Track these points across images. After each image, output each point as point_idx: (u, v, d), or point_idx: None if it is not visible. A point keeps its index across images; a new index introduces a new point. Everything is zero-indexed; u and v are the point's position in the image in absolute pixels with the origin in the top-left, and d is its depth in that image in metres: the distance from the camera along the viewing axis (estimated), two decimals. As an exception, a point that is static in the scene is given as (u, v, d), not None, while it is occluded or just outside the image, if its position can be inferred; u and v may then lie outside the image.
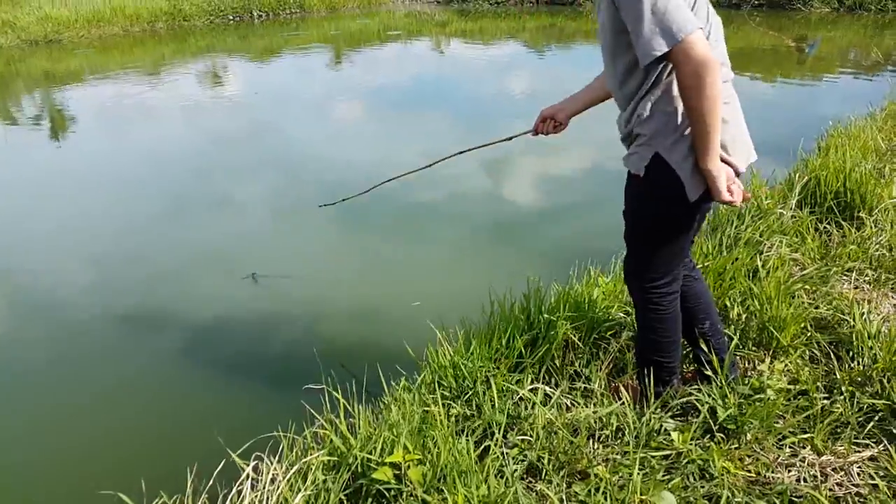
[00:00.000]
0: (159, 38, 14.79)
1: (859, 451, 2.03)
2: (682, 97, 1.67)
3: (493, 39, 14.85)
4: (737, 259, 3.02)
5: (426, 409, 2.15)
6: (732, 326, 2.66)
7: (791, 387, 2.29)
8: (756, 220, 3.54)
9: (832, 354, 2.50)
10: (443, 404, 2.18)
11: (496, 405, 2.18)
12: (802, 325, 2.63)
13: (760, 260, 3.05)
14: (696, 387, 2.24)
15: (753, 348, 2.60)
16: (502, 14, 17.86)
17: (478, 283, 3.83)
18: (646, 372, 2.18)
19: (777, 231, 3.44)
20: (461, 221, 5.06)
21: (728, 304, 2.77)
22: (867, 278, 3.08)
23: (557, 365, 2.49)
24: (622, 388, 2.28)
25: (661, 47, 1.58)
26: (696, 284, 2.20)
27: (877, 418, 2.13)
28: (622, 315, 2.75)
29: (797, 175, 4.03)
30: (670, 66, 1.71)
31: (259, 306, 3.85)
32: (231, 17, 16.79)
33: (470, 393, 2.29)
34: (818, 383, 2.34)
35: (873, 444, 2.04)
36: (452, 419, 2.16)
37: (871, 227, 3.40)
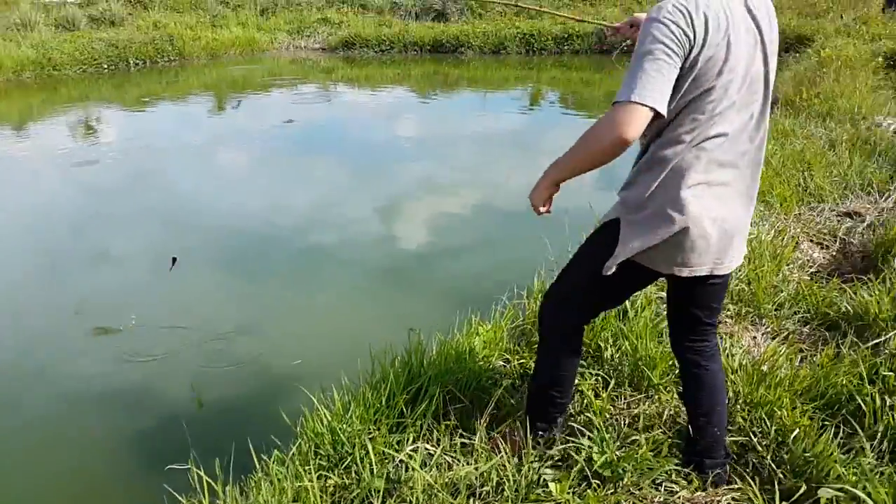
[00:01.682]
0: (27, 89, 13.94)
1: (729, 486, 2.11)
2: (584, 133, 1.70)
3: (380, 86, 15.01)
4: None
5: (300, 483, 2.05)
6: (606, 367, 2.74)
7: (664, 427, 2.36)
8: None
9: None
10: (318, 476, 2.09)
11: (374, 471, 2.12)
12: (671, 362, 2.74)
13: (629, 301, 3.17)
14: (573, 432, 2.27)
15: (629, 388, 2.67)
16: (388, 61, 18.10)
17: (363, 334, 3.77)
18: (536, 406, 2.20)
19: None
20: (349, 268, 5.01)
21: (601, 345, 2.85)
22: (729, 312, 3.26)
23: (438, 420, 2.46)
24: (500, 440, 2.27)
25: (619, 96, 1.60)
26: (700, 373, 2.05)
27: (738, 452, 2.23)
28: (501, 364, 2.77)
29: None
30: (658, 143, 1.76)
31: (122, 370, 3.61)
32: (105, 66, 16.08)
33: (348, 460, 2.21)
34: (683, 421, 2.43)
35: (737, 480, 2.13)
36: (329, 491, 2.07)
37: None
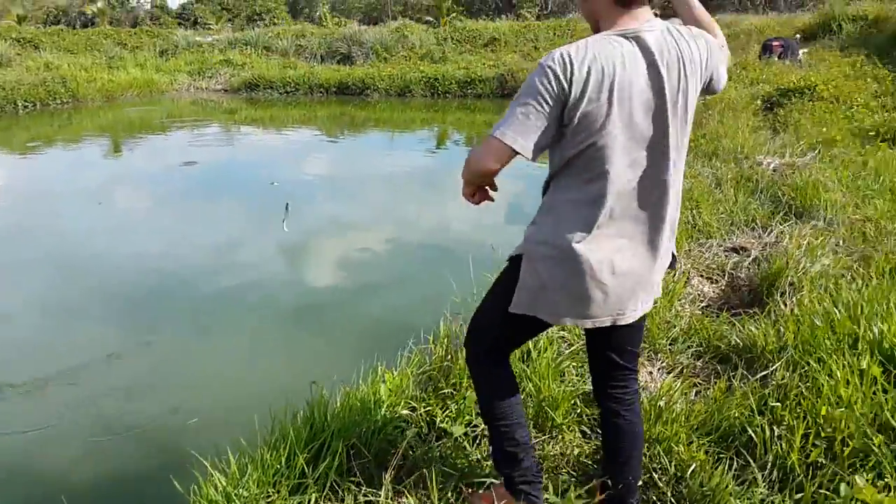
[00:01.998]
0: None
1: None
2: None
3: (286, 127, 14.88)
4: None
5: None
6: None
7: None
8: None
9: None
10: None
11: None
12: (573, 401, 2.77)
13: (531, 341, 3.21)
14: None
15: (533, 430, 2.68)
16: (293, 103, 18.00)
17: (264, 387, 3.64)
18: (494, 448, 2.09)
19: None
20: (252, 314, 4.85)
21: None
22: (627, 348, 3.34)
23: (343, 477, 2.38)
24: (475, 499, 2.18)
25: (493, 130, 1.67)
26: (620, 422, 2.02)
27: (640, 490, 2.26)
28: (407, 412, 2.72)
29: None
30: (554, 188, 1.80)
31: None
32: (-10, 108, 15.20)
33: (245, 527, 2.10)
34: (588, 461, 2.45)
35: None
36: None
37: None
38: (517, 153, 1.66)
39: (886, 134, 7.22)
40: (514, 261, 1.89)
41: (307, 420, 2.56)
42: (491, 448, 2.13)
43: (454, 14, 25.31)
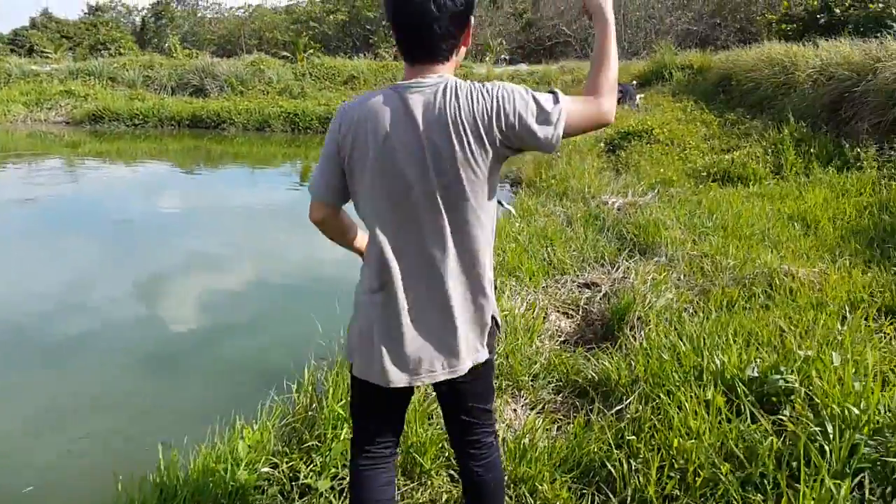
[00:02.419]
0: None
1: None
2: None
3: (136, 161, 14.06)
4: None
5: None
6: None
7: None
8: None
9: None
10: None
11: None
12: (440, 444, 2.76)
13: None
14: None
15: (402, 477, 2.63)
16: (142, 136, 17.06)
17: (110, 446, 3.34)
18: None
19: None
20: (98, 364, 4.47)
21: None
22: (492, 387, 3.39)
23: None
24: None
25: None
26: (478, 481, 1.96)
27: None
28: (268, 470, 2.58)
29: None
30: None
31: None
32: None
33: None
34: (458, 506, 2.44)
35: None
36: None
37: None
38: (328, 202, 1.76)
39: (716, 174, 7.96)
40: None
41: (157, 486, 2.36)
42: None
43: (311, 51, 25.25)
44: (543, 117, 1.61)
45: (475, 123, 1.60)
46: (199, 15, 48.70)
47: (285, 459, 2.67)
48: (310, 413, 2.91)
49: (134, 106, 18.27)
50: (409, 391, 1.86)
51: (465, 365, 1.75)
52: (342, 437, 2.67)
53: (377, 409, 1.87)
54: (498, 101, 1.60)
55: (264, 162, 14.68)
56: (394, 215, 1.67)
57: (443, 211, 1.65)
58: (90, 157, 14.24)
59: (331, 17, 36.31)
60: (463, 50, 1.71)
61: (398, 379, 1.71)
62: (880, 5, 12.85)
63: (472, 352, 1.76)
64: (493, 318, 1.80)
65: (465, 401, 1.88)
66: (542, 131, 1.61)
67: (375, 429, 1.87)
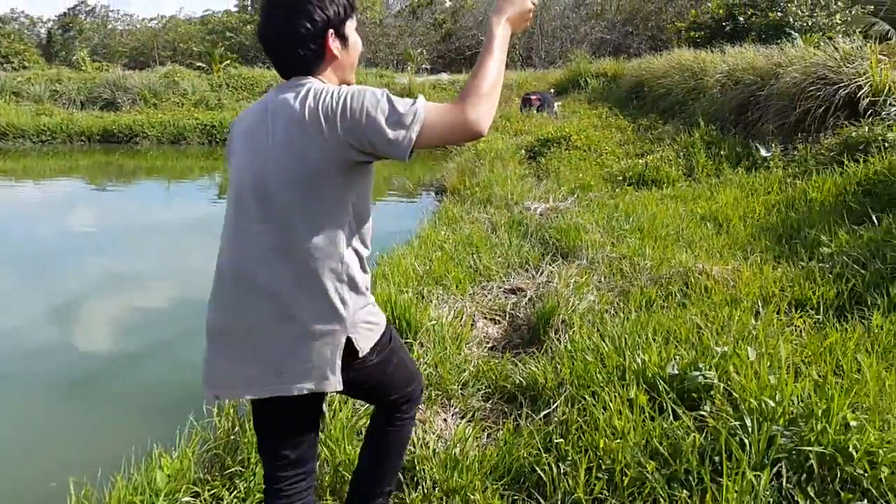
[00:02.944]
0: None
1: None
2: None
3: (44, 178, 13.36)
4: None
5: None
6: (308, 480, 2.59)
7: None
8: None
9: (402, 484, 2.60)
10: None
11: None
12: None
13: (326, 403, 3.10)
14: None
15: (330, 497, 2.56)
16: (50, 153, 16.23)
17: (10, 483, 3.14)
18: None
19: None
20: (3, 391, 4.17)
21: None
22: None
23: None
24: None
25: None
26: None
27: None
28: (189, 499, 2.47)
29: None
30: None
31: None
32: None
33: None
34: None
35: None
36: None
37: (417, 350, 3.77)
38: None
39: (632, 178, 8.21)
40: None
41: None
42: None
43: (228, 61, 24.67)
44: (395, 118, 1.56)
45: (318, 120, 1.60)
46: (109, 27, 46.86)
47: (207, 487, 2.55)
48: (231, 437, 2.80)
49: (41, 122, 17.37)
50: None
51: (278, 387, 1.76)
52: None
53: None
54: (345, 99, 1.59)
55: (181, 175, 14.22)
56: (229, 225, 1.78)
57: (276, 209, 1.68)
58: (-8, 175, 13.45)
59: (248, 27, 35.64)
60: (344, 60, 1.76)
61: (208, 390, 1.82)
62: (779, 14, 13.64)
63: (295, 375, 1.77)
64: (350, 338, 1.75)
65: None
66: (392, 132, 1.56)
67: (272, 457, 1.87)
